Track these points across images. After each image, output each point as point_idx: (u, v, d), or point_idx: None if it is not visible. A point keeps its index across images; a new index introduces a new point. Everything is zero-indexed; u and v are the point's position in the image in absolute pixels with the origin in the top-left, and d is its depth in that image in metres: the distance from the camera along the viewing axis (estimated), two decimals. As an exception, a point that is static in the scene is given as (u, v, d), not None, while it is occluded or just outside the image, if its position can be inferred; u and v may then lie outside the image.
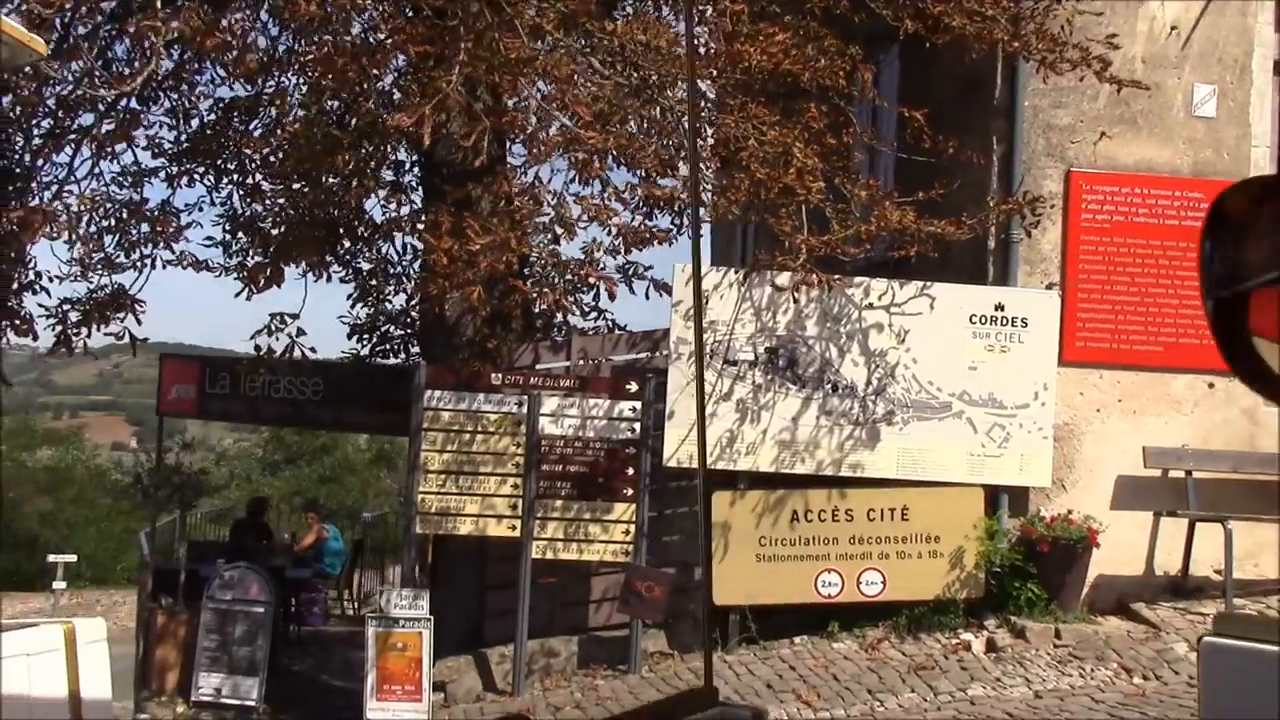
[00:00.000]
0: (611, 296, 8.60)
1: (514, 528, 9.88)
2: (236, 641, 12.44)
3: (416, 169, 12.30)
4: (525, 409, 9.90)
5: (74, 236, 9.63)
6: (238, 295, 9.44)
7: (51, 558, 32.74)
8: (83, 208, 9.93)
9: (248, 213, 11.90)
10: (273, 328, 9.87)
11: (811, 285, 8.85)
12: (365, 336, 12.86)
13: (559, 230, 9.00)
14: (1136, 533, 10.19)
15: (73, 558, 33.30)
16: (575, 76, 7.81)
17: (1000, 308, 10.16)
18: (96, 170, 10.59)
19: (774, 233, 11.20)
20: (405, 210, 12.26)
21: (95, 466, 37.82)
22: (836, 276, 9.23)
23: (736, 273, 10.11)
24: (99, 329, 9.87)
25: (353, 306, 12.47)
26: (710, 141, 9.38)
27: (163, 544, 14.86)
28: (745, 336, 10.07)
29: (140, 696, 12.76)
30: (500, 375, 10.02)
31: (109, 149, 10.02)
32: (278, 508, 26.28)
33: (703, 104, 9.27)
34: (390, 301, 12.82)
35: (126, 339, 10.15)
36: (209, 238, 12.14)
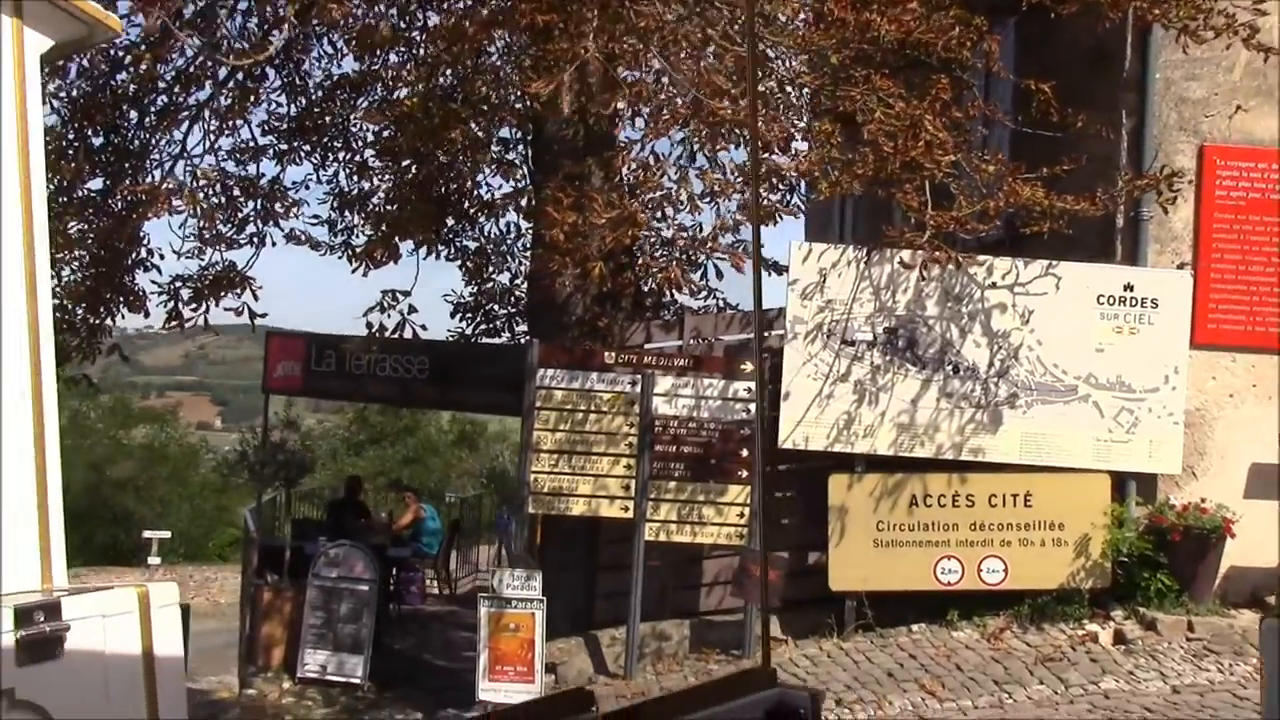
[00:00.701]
0: (739, 269, 8.40)
1: (627, 509, 9.74)
2: (341, 619, 12.47)
3: (522, 146, 12.17)
4: (639, 388, 9.74)
5: (197, 211, 9.63)
6: (353, 271, 9.43)
7: (147, 533, 33.56)
8: (204, 182, 9.92)
9: (355, 190, 11.85)
10: (384, 305, 9.79)
11: (940, 263, 8.57)
12: (470, 315, 12.78)
13: (681, 205, 8.82)
14: (1271, 523, 9.77)
15: (167, 534, 34.09)
16: (709, 45, 7.59)
17: (1129, 288, 9.80)
18: (213, 146, 10.61)
19: (885, 210, 10.96)
20: (511, 187, 12.13)
21: (187, 445, 38.46)
22: (967, 254, 8.93)
23: (855, 250, 9.85)
24: (216, 304, 9.88)
25: (466, 284, 12.41)
26: (814, 113, 9.13)
27: (264, 521, 14.92)
28: (864, 316, 9.81)
29: (246, 672, 12.86)
30: (613, 354, 9.87)
31: (229, 123, 10.02)
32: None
33: (823, 75, 9.00)
34: (494, 280, 12.72)
35: (243, 316, 10.13)
36: (315, 216, 12.14)
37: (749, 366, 9.82)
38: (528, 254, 12.87)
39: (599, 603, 10.38)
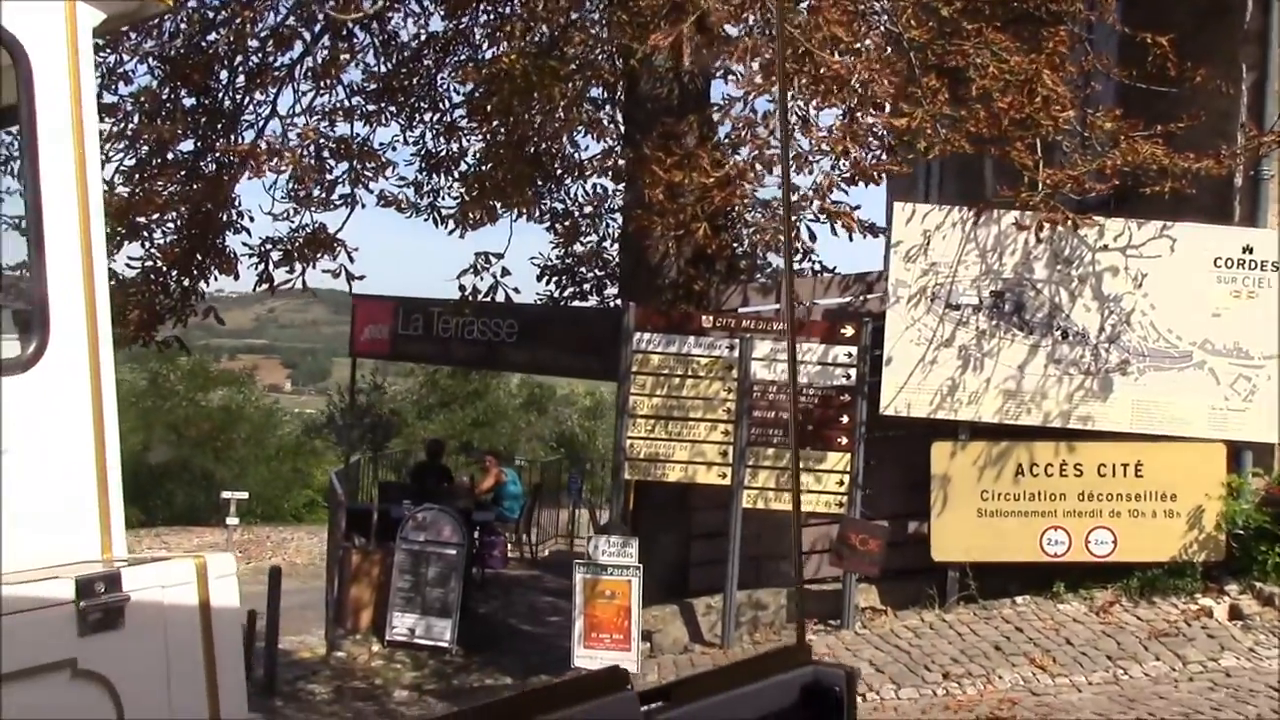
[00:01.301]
0: (851, 232, 8.09)
1: (724, 476, 9.56)
2: (429, 583, 12.47)
3: (610, 106, 11.94)
4: (736, 353, 9.53)
5: (296, 171, 9.52)
6: (451, 233, 9.25)
7: (225, 494, 33.99)
8: (296, 143, 9.81)
9: (444, 152, 11.71)
10: (478, 267, 9.65)
11: (1058, 224, 8.24)
12: (558, 278, 12.61)
13: (786, 165, 8.50)
14: (1396, 494, 9.38)
15: (244, 495, 34.53)
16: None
17: (1248, 250, 9.39)
18: (304, 106, 10.51)
19: (974, 170, 10.62)
20: (600, 148, 11.91)
21: (264, 407, 38.88)
22: (1084, 215, 8.59)
23: (961, 211, 9.54)
24: (313, 266, 9.80)
25: (554, 247, 12.23)
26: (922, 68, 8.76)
27: (350, 485, 14.93)
28: (969, 279, 9.51)
29: (334, 634, 12.91)
30: (711, 318, 9.67)
31: (322, 83, 9.89)
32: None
33: (931, 28, 8.66)
34: (581, 242, 12.53)
35: (340, 278, 10.01)
36: (401, 178, 12.02)
37: (850, 330, 9.56)
38: (615, 216, 12.69)
39: (693, 570, 10.22)
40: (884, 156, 8.14)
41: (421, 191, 12.22)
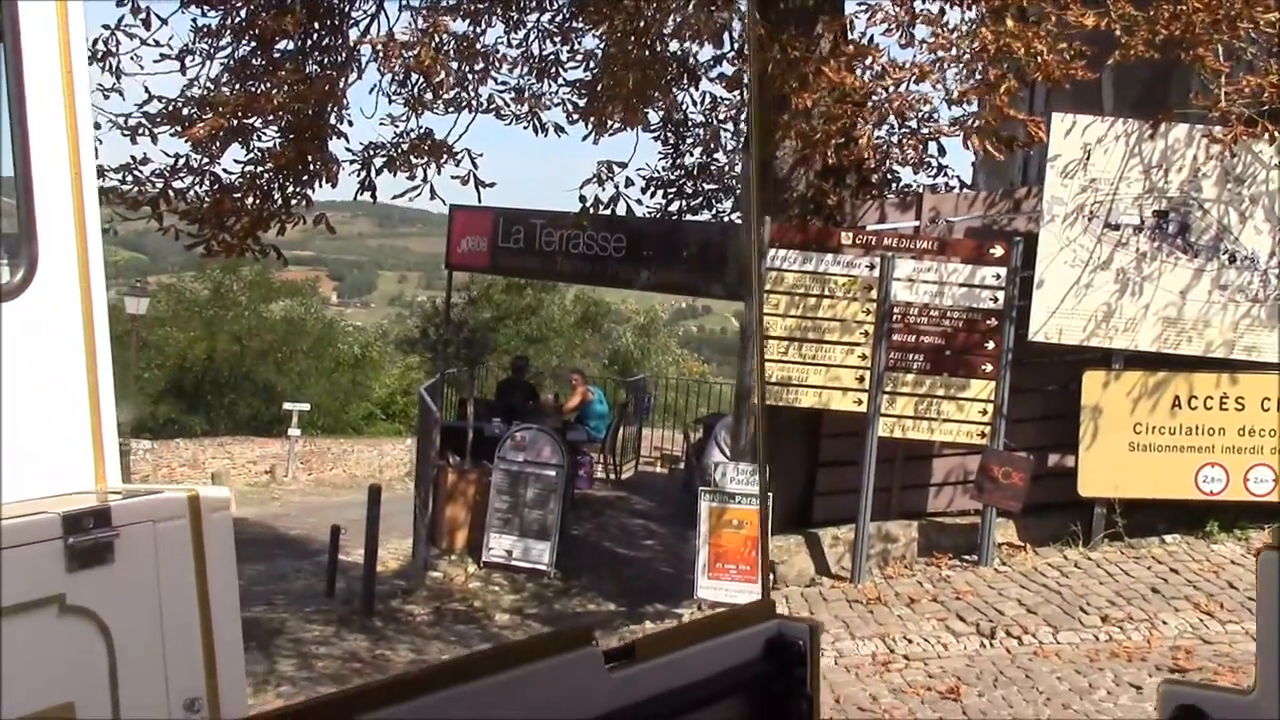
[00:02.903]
0: (998, 152, 7.46)
1: (860, 402, 9.03)
2: (528, 504, 12.11)
3: (727, 12, 11.22)
4: (877, 272, 8.94)
5: (418, 65, 8.93)
6: (585, 139, 8.66)
7: (287, 405, 33.89)
8: (402, 40, 9.22)
9: (552, 56, 11.09)
10: (601, 177, 9.08)
11: (1254, 137, 7.56)
12: (667, 191, 12.00)
13: (907, 75, 7.87)
14: None
15: (306, 406, 34.39)
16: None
17: None
18: (410, 4, 9.89)
19: (1133, 81, 9.88)
20: (712, 54, 11.25)
21: (324, 319, 38.67)
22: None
23: (1125, 124, 8.85)
24: (437, 173, 9.27)
25: (666, 159, 11.62)
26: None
27: (441, 401, 14.52)
28: (1131, 197, 8.86)
29: (428, 554, 12.60)
30: (850, 234, 9.07)
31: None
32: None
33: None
34: (691, 153, 11.91)
35: (469, 185, 9.43)
36: (503, 83, 11.41)
37: (999, 250, 8.95)
38: (726, 126, 12.07)
39: (818, 500, 9.74)
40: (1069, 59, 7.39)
41: (523, 98, 11.63)
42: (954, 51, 7.83)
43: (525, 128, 11.52)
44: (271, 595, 15.59)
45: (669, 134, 11.51)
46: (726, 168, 11.69)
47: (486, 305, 41.42)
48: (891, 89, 8.90)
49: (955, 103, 8.74)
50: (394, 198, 9.04)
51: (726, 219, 11.83)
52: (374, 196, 10.42)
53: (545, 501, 12.10)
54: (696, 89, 11.06)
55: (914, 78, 7.15)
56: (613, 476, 16.77)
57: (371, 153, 10.32)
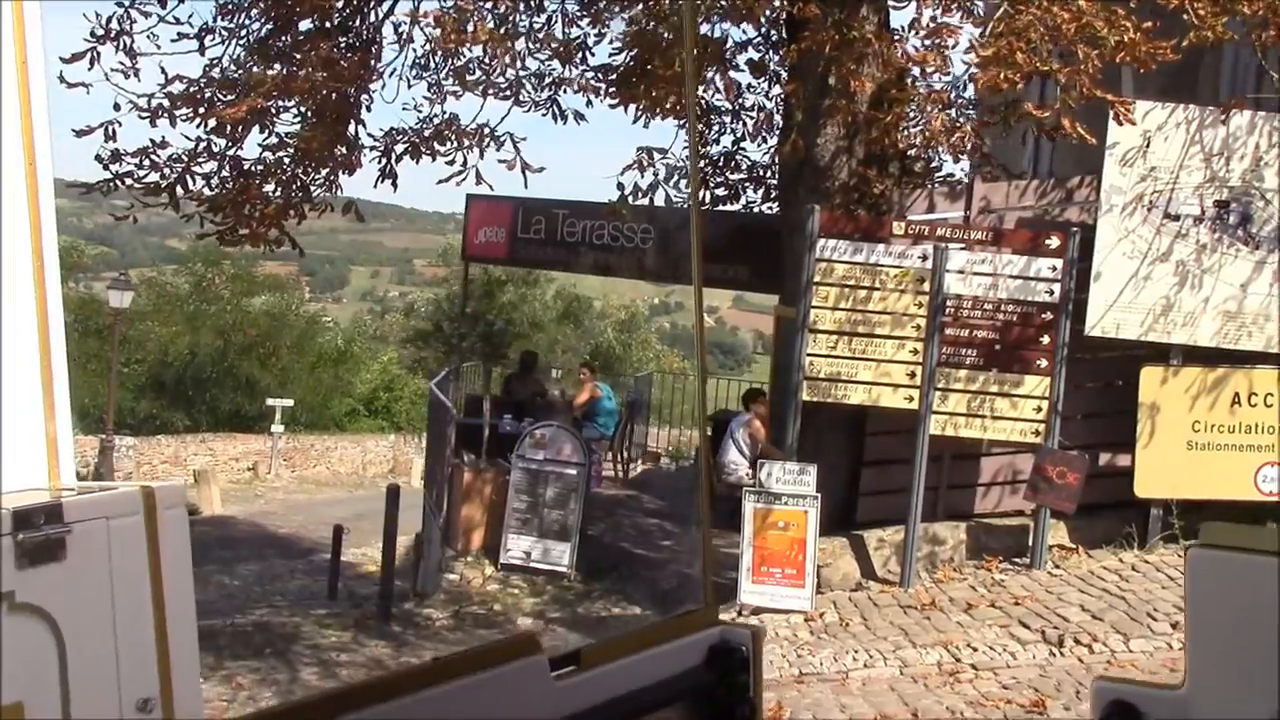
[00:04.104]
0: (1072, 133, 7.13)
1: (911, 399, 8.69)
2: (548, 504, 11.72)
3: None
4: (929, 264, 8.61)
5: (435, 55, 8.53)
6: (636, 121, 8.27)
7: (270, 401, 33.29)
8: (427, 22, 8.82)
9: (577, 40, 10.70)
10: (642, 164, 8.69)
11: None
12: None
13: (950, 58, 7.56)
14: None
15: (290, 402, 33.80)
16: None
17: None
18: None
19: (1192, 67, 9.59)
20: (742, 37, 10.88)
21: (306, 314, 38.12)
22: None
23: (1187, 110, 8.55)
24: (480, 158, 8.85)
25: (715, 145, 11.23)
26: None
27: (451, 396, 14.07)
28: (1191, 187, 8.57)
29: (444, 555, 12.18)
30: (902, 224, 8.73)
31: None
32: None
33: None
34: (718, 142, 11.54)
35: (515, 169, 9.01)
36: (524, 68, 10.98)
37: (1055, 241, 8.63)
38: (751, 113, 11.71)
39: (862, 501, 9.40)
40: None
41: (542, 84, 11.22)
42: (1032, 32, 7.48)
43: (544, 115, 11.14)
44: (270, 597, 15.19)
45: (701, 120, 11.12)
46: (765, 157, 11.30)
47: (469, 300, 41.01)
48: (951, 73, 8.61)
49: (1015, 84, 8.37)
50: (438, 183, 8.66)
51: (754, 209, 11.46)
52: (395, 185, 10.00)
53: (566, 501, 11.72)
54: (725, 75, 10.67)
55: (983, 62, 6.79)
56: (621, 475, 16.38)
57: (394, 138, 9.90)
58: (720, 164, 11.67)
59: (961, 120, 8.70)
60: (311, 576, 17.43)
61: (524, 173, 8.58)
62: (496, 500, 12.06)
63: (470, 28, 9.21)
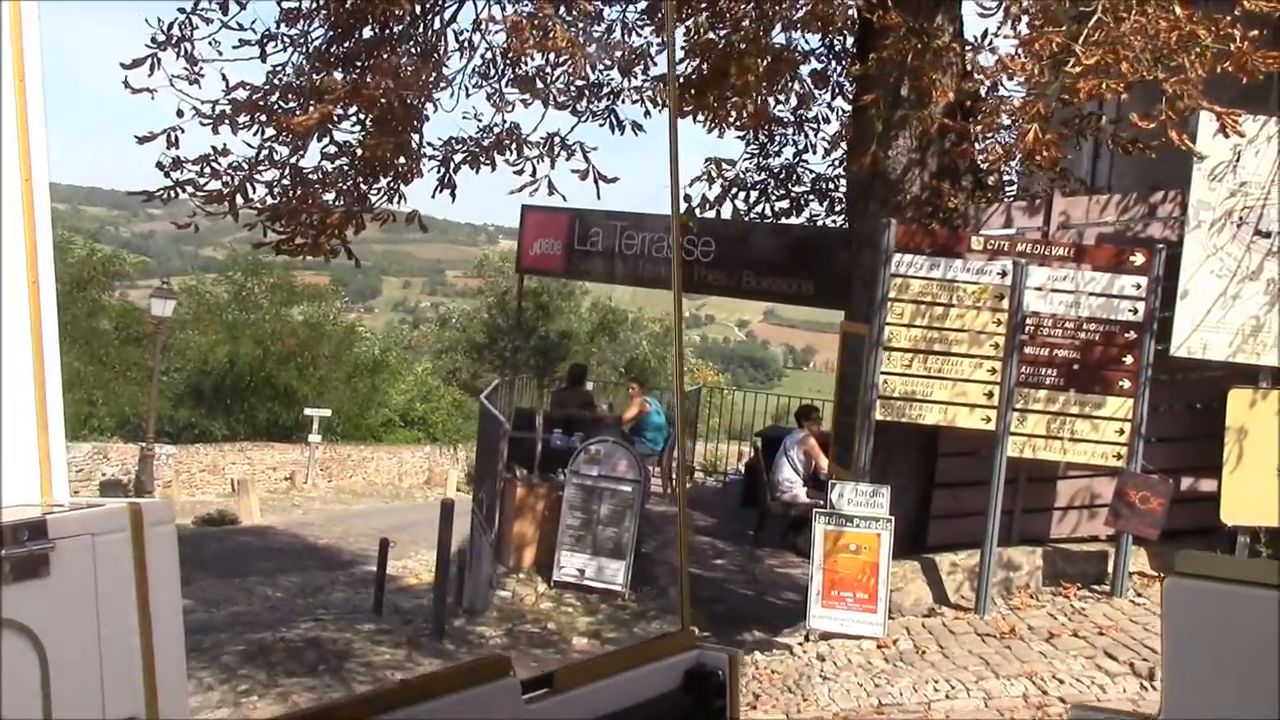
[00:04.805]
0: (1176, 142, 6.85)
1: (989, 420, 8.42)
2: (602, 521, 11.49)
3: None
4: (1009, 280, 8.34)
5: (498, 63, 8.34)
6: (710, 133, 8.05)
7: (308, 411, 33.21)
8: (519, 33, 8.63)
9: (641, 48, 10.50)
10: (710, 175, 8.47)
11: None
12: (745, 194, 11.39)
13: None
14: None
15: (327, 412, 33.71)
16: None
17: None
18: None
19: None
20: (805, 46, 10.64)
21: (342, 324, 38.08)
22: None
23: (1278, 123, 8.25)
24: (551, 167, 8.66)
25: (753, 159, 11.00)
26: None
27: (502, 409, 13.88)
28: (1283, 203, 8.26)
29: (495, 572, 11.97)
30: (981, 239, 8.46)
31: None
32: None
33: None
34: (779, 154, 11.31)
35: (588, 179, 8.81)
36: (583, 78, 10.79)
37: (1140, 258, 8.34)
38: (813, 124, 11.48)
39: (933, 524, 9.13)
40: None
41: (600, 93, 11.04)
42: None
43: (601, 125, 10.95)
44: (314, 610, 15.01)
45: (760, 133, 10.90)
46: (830, 170, 11.06)
47: (502, 314, 40.89)
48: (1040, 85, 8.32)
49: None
50: (510, 193, 8.45)
51: (818, 222, 11.22)
52: (454, 195, 9.82)
53: (621, 518, 11.50)
54: (799, 87, 10.43)
55: (1084, 71, 6.52)
56: (669, 491, 16.13)
57: (453, 148, 9.72)
58: (782, 176, 11.43)
59: (1053, 134, 8.42)
60: (353, 589, 17.28)
61: (597, 183, 8.39)
62: (549, 516, 11.85)
63: (549, 33, 9.04)
